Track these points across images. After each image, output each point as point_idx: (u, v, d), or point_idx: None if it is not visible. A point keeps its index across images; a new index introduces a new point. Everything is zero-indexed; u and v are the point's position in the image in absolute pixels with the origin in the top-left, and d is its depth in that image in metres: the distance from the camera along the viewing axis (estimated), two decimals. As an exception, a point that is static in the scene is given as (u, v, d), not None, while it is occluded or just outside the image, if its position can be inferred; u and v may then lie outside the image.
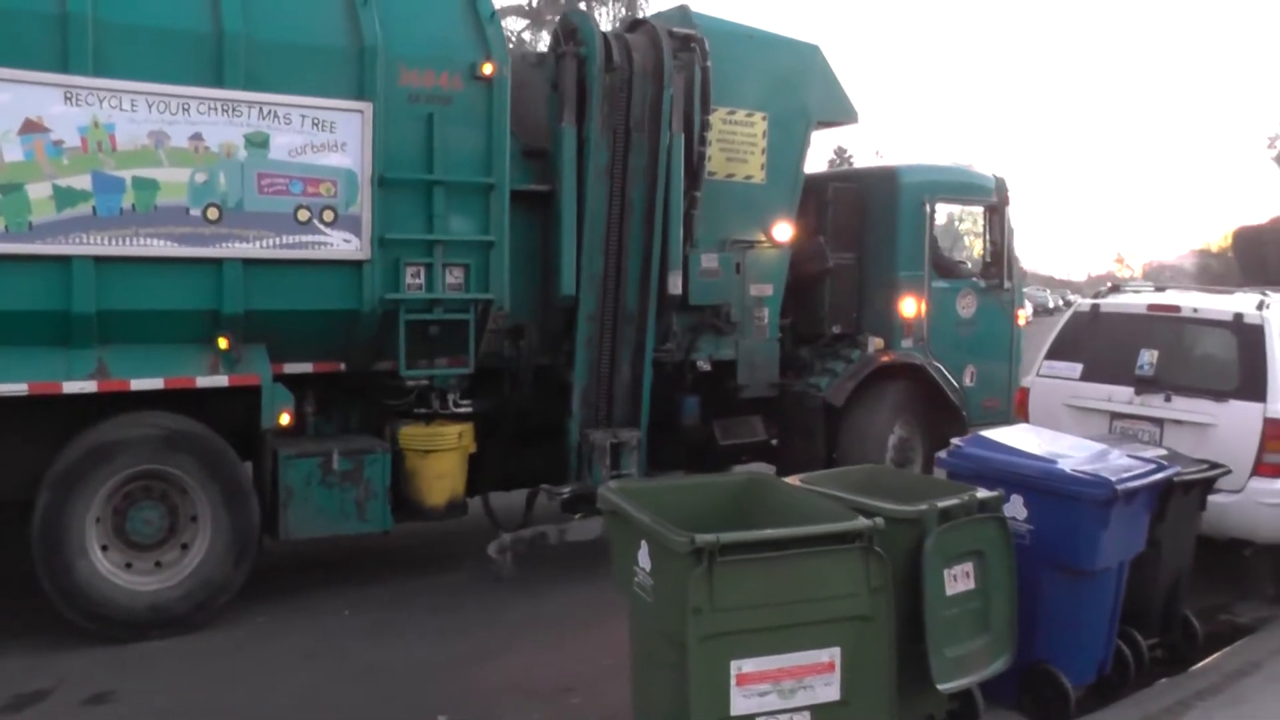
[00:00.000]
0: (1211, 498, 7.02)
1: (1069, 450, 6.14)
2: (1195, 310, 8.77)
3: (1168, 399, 8.27)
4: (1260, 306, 8.39)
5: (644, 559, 4.60)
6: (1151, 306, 8.97)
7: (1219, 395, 8.11)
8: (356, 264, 7.41)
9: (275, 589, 7.86)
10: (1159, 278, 67.16)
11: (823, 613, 4.41)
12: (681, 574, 4.23)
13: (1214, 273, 57.14)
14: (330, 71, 7.27)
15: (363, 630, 7.29)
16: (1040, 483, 5.79)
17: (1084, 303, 9.71)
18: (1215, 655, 6.90)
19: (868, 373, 9.98)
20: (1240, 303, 8.71)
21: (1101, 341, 9.01)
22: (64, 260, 6.54)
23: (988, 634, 5.18)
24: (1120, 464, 6.08)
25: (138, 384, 6.85)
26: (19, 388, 6.50)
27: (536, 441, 8.74)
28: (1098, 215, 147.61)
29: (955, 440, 6.40)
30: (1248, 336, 8.21)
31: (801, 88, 9.88)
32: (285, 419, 7.34)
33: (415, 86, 7.56)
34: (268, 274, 7.15)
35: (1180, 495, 6.52)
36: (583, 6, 23.73)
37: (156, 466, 6.94)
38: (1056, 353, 9.23)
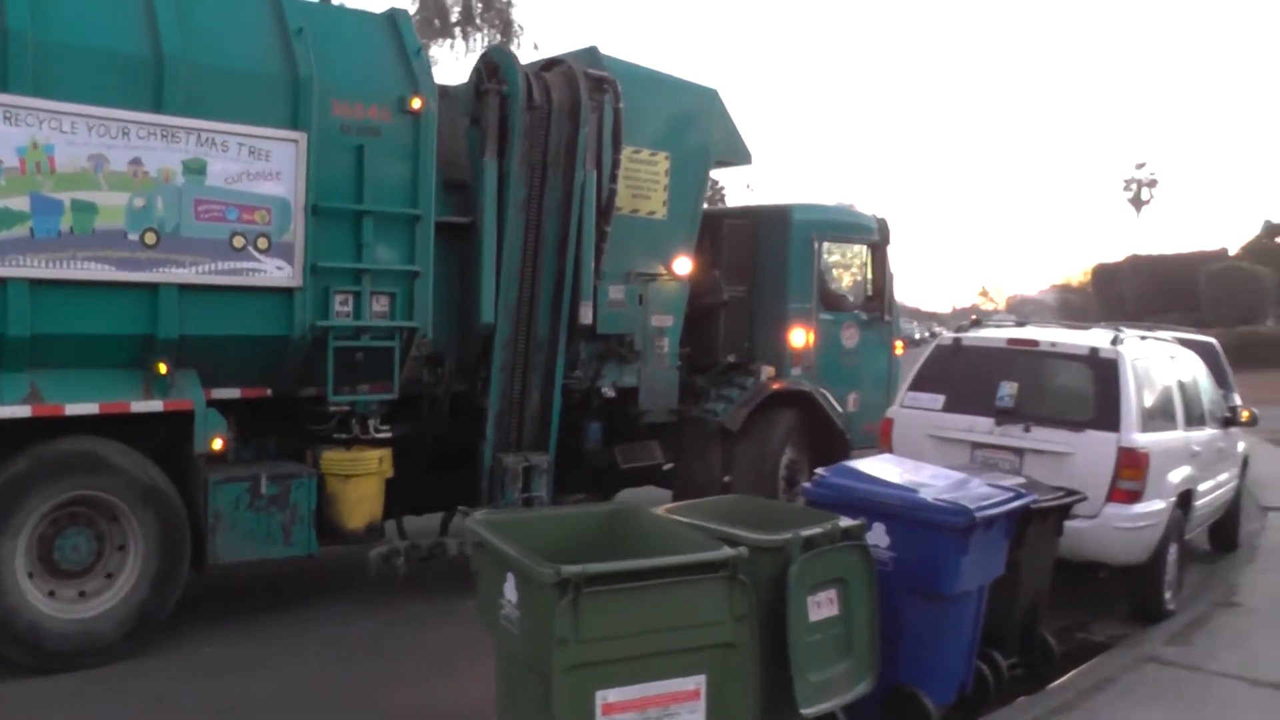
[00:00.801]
0: (1068, 523, 7.30)
1: (930, 479, 6.31)
2: (1053, 345, 9.10)
3: (1027, 429, 8.54)
4: (1115, 341, 8.75)
5: (510, 591, 4.61)
6: (1011, 341, 9.29)
7: (1076, 426, 8.41)
8: (288, 291, 7.49)
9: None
10: (1021, 311, 69.47)
11: (688, 641, 4.46)
12: (547, 605, 4.24)
13: (1074, 307, 59.29)
14: (267, 101, 7.37)
15: (227, 666, 7.10)
16: (902, 511, 5.94)
17: (946, 336, 10.01)
18: (1071, 673, 7.15)
19: (761, 399, 10.51)
20: (1096, 338, 9.07)
21: (963, 374, 9.25)
22: None
23: (851, 658, 5.29)
24: (980, 492, 6.27)
25: (72, 409, 6.78)
26: None
27: (446, 465, 8.90)
28: (963, 249, 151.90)
29: (820, 470, 6.54)
30: (1103, 370, 8.54)
31: (701, 129, 10.34)
32: (218, 444, 7.29)
33: (346, 118, 7.73)
34: (202, 300, 7.17)
35: (1038, 521, 6.75)
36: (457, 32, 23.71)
37: (87, 493, 6.86)
38: (920, 384, 9.44)
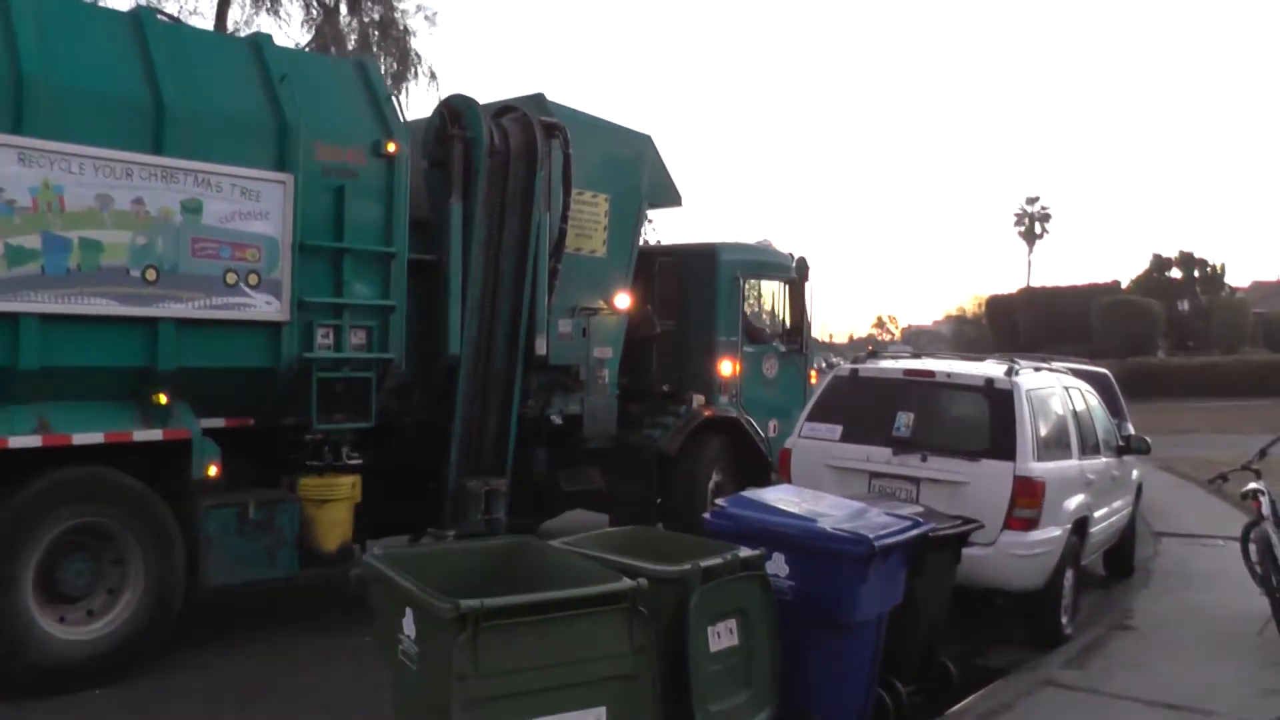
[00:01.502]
0: (966, 551, 7.40)
1: (829, 509, 6.37)
2: (949, 375, 9.24)
3: (924, 459, 8.63)
4: (1010, 372, 8.90)
5: (409, 626, 4.55)
6: (908, 371, 9.40)
7: (972, 455, 8.53)
8: (276, 325, 7.92)
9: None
10: (917, 342, 70.68)
11: (588, 674, 4.44)
12: (446, 640, 4.19)
13: (968, 338, 60.58)
14: (257, 144, 7.83)
15: (128, 706, 6.86)
16: (801, 541, 5.99)
17: (844, 367, 10.12)
18: (970, 698, 7.21)
19: (694, 426, 11.30)
20: (991, 369, 9.23)
21: (861, 404, 9.32)
22: (11, 317, 6.71)
23: (751, 688, 5.30)
24: (878, 521, 6.33)
25: (79, 438, 7.04)
26: None
27: (408, 490, 9.33)
28: (859, 280, 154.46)
29: (719, 501, 6.57)
30: (998, 401, 8.68)
31: (637, 173, 11.09)
32: (213, 471, 7.54)
33: (327, 160, 8.21)
34: (198, 334, 7.55)
35: (936, 550, 6.82)
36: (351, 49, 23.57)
37: (92, 519, 7.08)
38: (817, 415, 9.49)
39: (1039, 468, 8.40)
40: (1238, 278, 71.30)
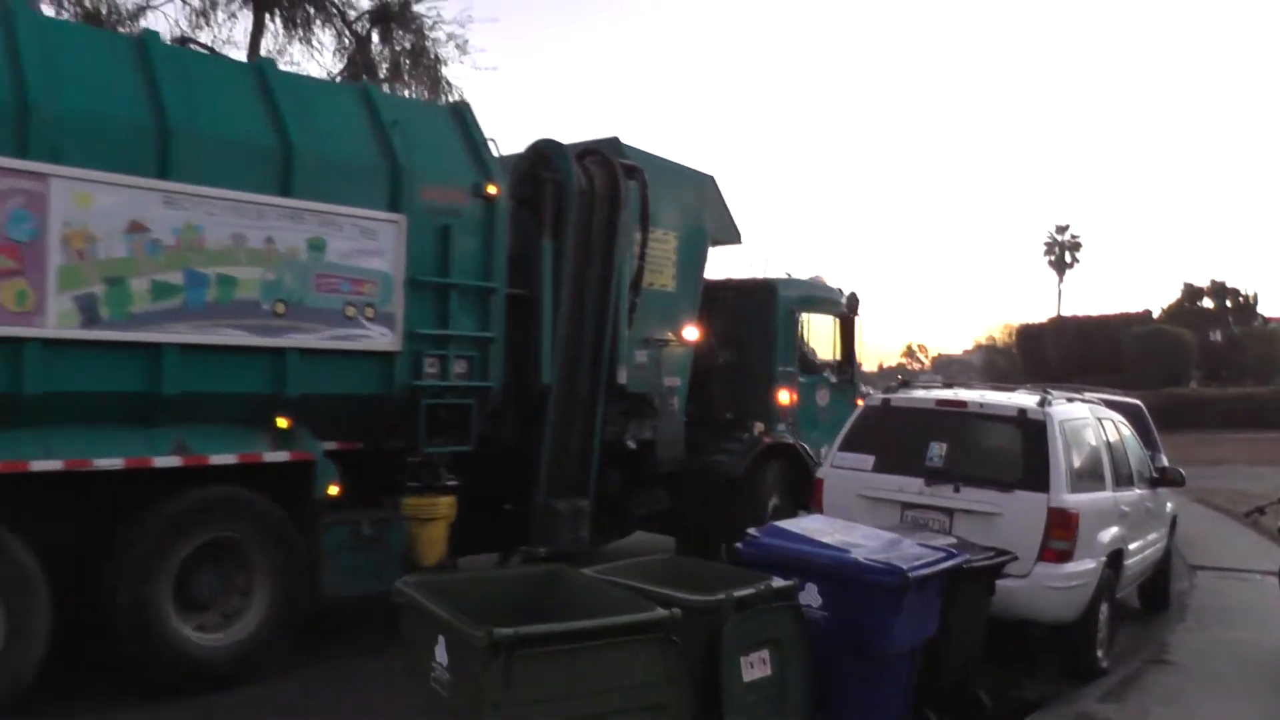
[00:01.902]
0: (1000, 582, 7.35)
1: (862, 539, 6.35)
2: (982, 406, 9.19)
3: (957, 490, 8.57)
4: (1043, 403, 8.85)
5: (441, 654, 4.56)
6: (940, 402, 9.36)
7: (1005, 486, 8.46)
8: (390, 355, 8.49)
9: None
10: (947, 371, 70.27)
11: (621, 703, 4.45)
12: (479, 668, 4.20)
13: (999, 368, 60.26)
14: (373, 187, 8.43)
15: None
16: (834, 571, 5.97)
17: (876, 397, 10.10)
18: (1005, 731, 7.15)
19: (758, 451, 11.88)
20: (1024, 399, 9.18)
21: (893, 434, 9.28)
22: (155, 347, 7.24)
23: (784, 718, 5.28)
24: (912, 552, 6.31)
25: (216, 459, 7.59)
26: (116, 462, 7.11)
27: (493, 510, 9.97)
28: (888, 308, 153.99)
29: (751, 530, 6.55)
30: (1031, 431, 8.62)
31: (702, 212, 11.80)
32: (334, 490, 8.07)
33: (434, 202, 8.78)
34: (320, 363, 8.09)
35: (970, 581, 6.79)
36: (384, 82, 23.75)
37: (224, 534, 7.64)
38: (849, 445, 9.45)
39: (1073, 499, 8.33)
40: (1269, 307, 70.70)
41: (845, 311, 13.54)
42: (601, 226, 10.25)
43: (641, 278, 10.71)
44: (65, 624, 6.93)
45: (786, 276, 13.32)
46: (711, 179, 11.92)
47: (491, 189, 9.10)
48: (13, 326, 6.65)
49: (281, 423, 7.93)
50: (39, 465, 6.82)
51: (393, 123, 8.65)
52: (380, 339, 8.39)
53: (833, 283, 13.87)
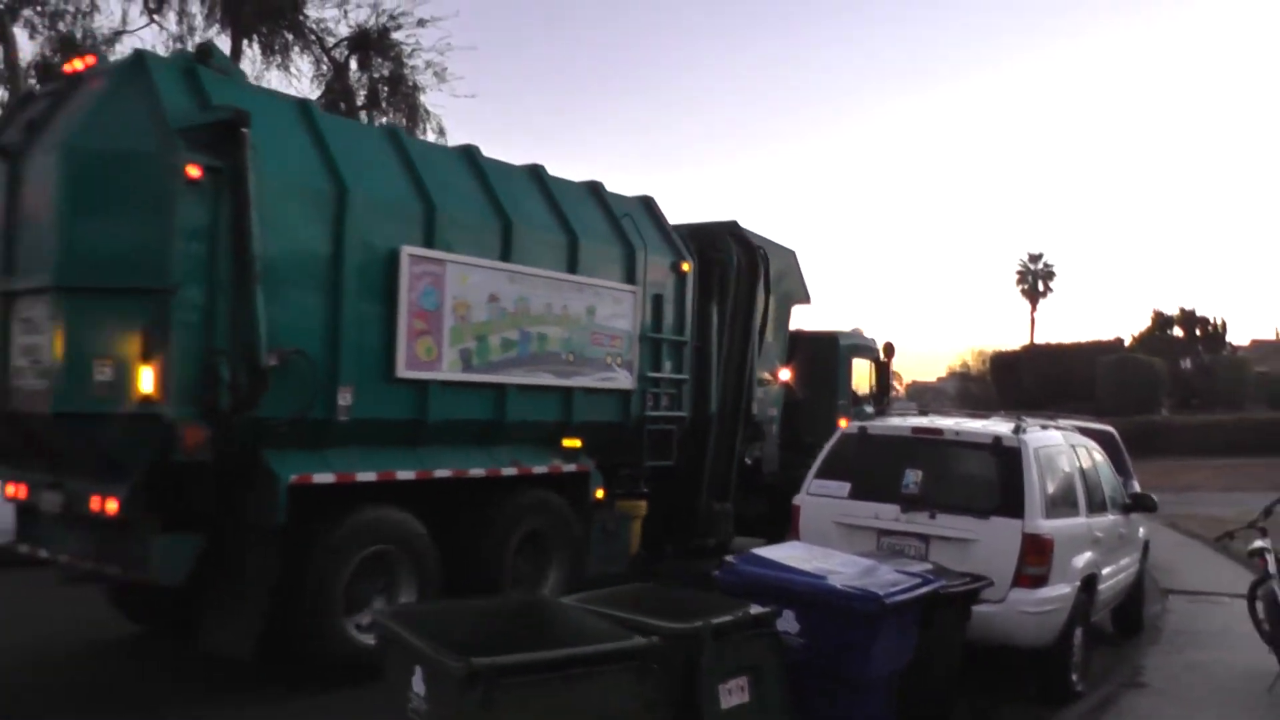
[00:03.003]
0: (976, 607, 7.40)
1: (839, 566, 6.38)
2: (957, 433, 9.25)
3: (932, 516, 8.61)
4: (1017, 430, 8.92)
5: (419, 684, 4.55)
6: (916, 429, 9.43)
7: (980, 512, 8.51)
8: (628, 392, 11.39)
9: None
10: (922, 398, 70.47)
11: (601, 730, 4.45)
12: (458, 698, 4.20)
13: (973, 395, 60.51)
14: (621, 266, 11.36)
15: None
16: (812, 598, 6.00)
17: (852, 424, 10.15)
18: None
19: None
20: (999, 426, 9.25)
21: (869, 462, 9.34)
22: (502, 387, 9.86)
23: (764, 746, 5.29)
24: (888, 579, 6.35)
25: (536, 469, 10.26)
26: (479, 471, 9.69)
27: (664, 511, 12.46)
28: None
29: (729, 558, 6.56)
30: (1006, 458, 8.69)
31: (789, 279, 14.82)
32: (600, 494, 10.86)
33: (652, 276, 11.73)
34: (591, 398, 10.86)
35: (946, 607, 6.84)
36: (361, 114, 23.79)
37: (537, 528, 10.16)
38: (826, 472, 9.49)
39: (1047, 525, 8.40)
40: (1237, 336, 71.34)
41: (879, 356, 17.10)
42: (744, 293, 13.41)
43: (764, 332, 13.78)
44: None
45: (842, 330, 16.73)
46: (794, 252, 14.96)
47: (685, 266, 12.24)
48: (424, 371, 9.11)
49: (573, 442, 10.65)
50: (439, 473, 9.27)
51: (624, 215, 11.58)
52: (624, 380, 11.24)
53: (870, 334, 17.58)
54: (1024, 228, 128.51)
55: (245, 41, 23.98)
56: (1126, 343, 63.08)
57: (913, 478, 8.89)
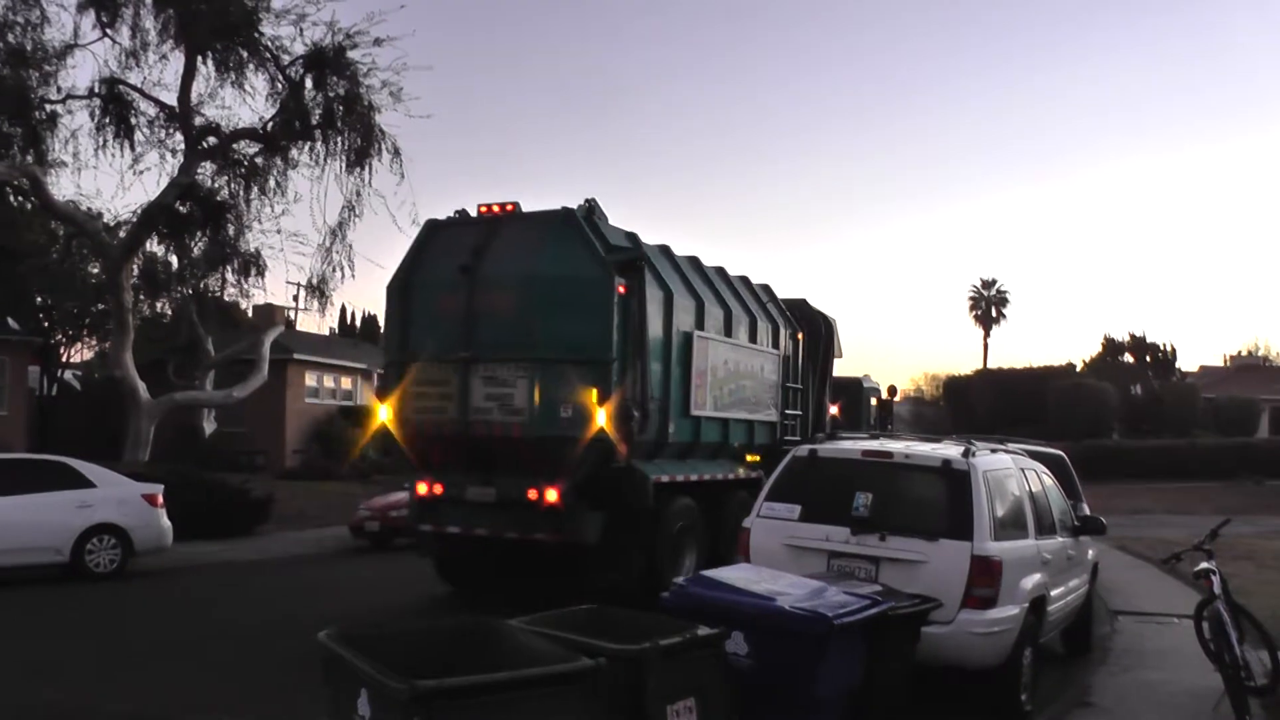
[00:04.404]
0: (925, 629, 7.42)
1: (787, 588, 6.39)
2: (907, 456, 9.30)
3: (882, 538, 8.64)
4: (967, 453, 8.98)
5: (364, 707, 4.51)
6: (866, 452, 9.45)
7: (930, 535, 8.55)
8: (775, 423, 16.42)
9: None
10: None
11: (547, 753, 4.42)
12: (403, 721, 4.17)
13: (926, 419, 60.96)
14: (769, 338, 16.35)
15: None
16: (760, 619, 6.00)
17: (803, 447, 10.17)
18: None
19: None
20: (949, 450, 9.30)
21: (819, 484, 9.36)
22: (726, 420, 14.74)
23: (711, 767, 5.28)
24: (837, 600, 6.37)
25: (743, 475, 15.05)
26: (718, 475, 14.55)
27: None
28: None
29: (678, 580, 6.57)
30: (955, 481, 8.75)
31: (834, 337, 19.62)
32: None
33: (782, 343, 16.84)
34: (759, 427, 15.88)
35: (895, 628, 6.85)
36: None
37: (738, 514, 12.18)
38: (776, 494, 9.51)
39: (996, 547, 8.45)
40: (1187, 362, 72.34)
41: (884, 396, 24.61)
42: (823, 352, 18.90)
43: (828, 380, 19.25)
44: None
45: (862, 376, 24.47)
46: (835, 319, 19.78)
47: (800, 335, 17.56)
48: (700, 411, 13.94)
49: (754, 458, 15.38)
50: (705, 477, 14.14)
51: (769, 299, 16.92)
52: (774, 415, 16.34)
53: (877, 379, 25.04)
54: (977, 254, 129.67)
55: (199, 58, 23.80)
56: (1078, 368, 63.84)
57: (863, 500, 8.90)
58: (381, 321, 16.90)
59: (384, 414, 12.91)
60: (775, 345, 16.26)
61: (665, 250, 14.02)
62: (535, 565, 13.38)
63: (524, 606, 6.45)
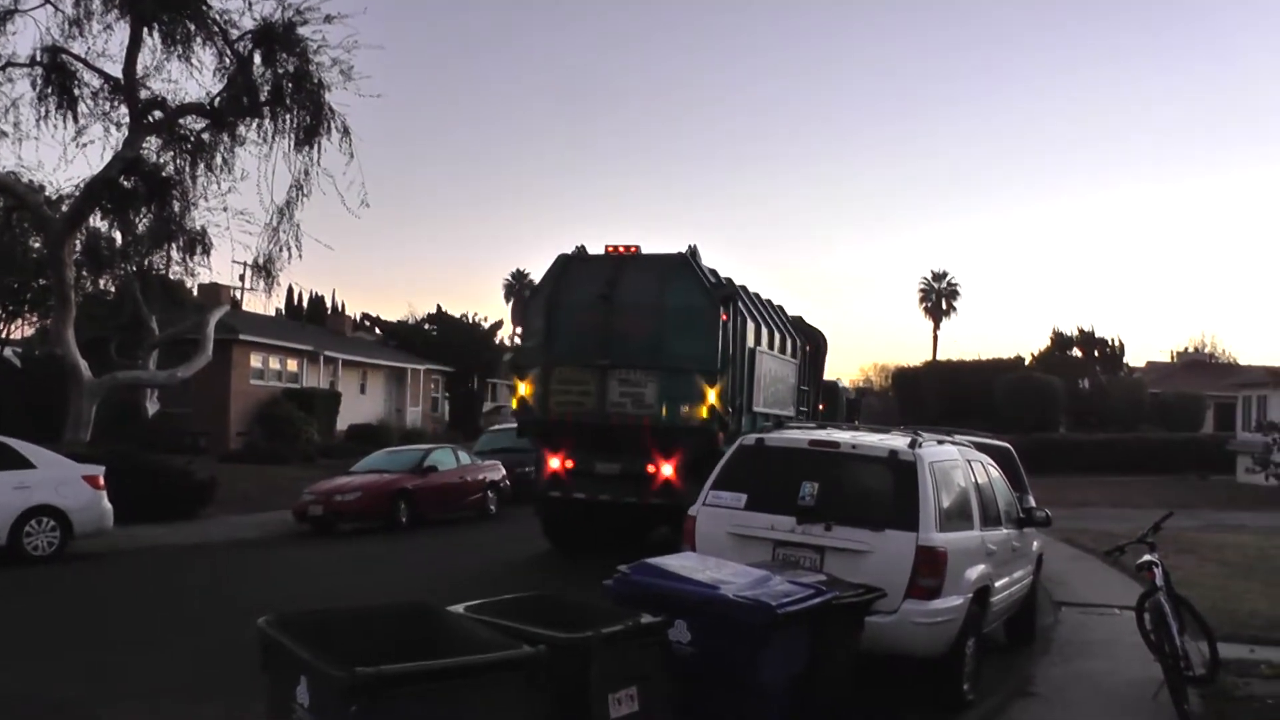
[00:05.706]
0: (869, 618, 7.44)
1: (731, 577, 6.37)
2: (854, 446, 9.29)
3: (828, 528, 8.62)
4: (913, 444, 9.00)
5: (303, 694, 4.44)
6: (813, 442, 9.44)
7: (875, 525, 8.54)
8: (793, 416, 19.63)
9: None
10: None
11: (486, 741, 4.38)
12: (342, 709, 4.10)
13: (875, 410, 61.47)
14: (794, 349, 21.05)
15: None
16: (703, 608, 5.98)
17: (750, 435, 10.15)
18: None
19: None
20: (896, 440, 9.32)
21: (766, 473, 9.32)
22: (769, 414, 18.48)
23: (653, 756, 5.26)
24: (780, 589, 6.35)
25: None
26: None
27: None
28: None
29: (622, 567, 6.53)
30: (901, 471, 8.76)
31: (826, 350, 24.60)
32: None
33: (801, 353, 21.53)
34: (784, 420, 17.91)
35: (838, 617, 6.86)
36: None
37: None
38: (722, 483, 9.45)
39: (941, 538, 8.48)
40: (1134, 357, 73.21)
41: (853, 395, 31.69)
42: (819, 365, 23.63)
43: (820, 383, 24.22)
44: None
45: (837, 379, 30.21)
46: (825, 334, 24.61)
47: (808, 347, 21.74)
48: (758, 407, 17.79)
49: None
50: None
51: (793, 319, 21.36)
52: (793, 411, 20.02)
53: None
54: (929, 246, 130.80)
55: (145, 30, 23.25)
56: (1027, 361, 64.47)
57: (809, 490, 8.87)
58: (372, 313, 20.49)
59: (523, 390, 17.09)
60: (795, 356, 20.77)
61: (742, 286, 17.89)
62: (627, 529, 16.85)
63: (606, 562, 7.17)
